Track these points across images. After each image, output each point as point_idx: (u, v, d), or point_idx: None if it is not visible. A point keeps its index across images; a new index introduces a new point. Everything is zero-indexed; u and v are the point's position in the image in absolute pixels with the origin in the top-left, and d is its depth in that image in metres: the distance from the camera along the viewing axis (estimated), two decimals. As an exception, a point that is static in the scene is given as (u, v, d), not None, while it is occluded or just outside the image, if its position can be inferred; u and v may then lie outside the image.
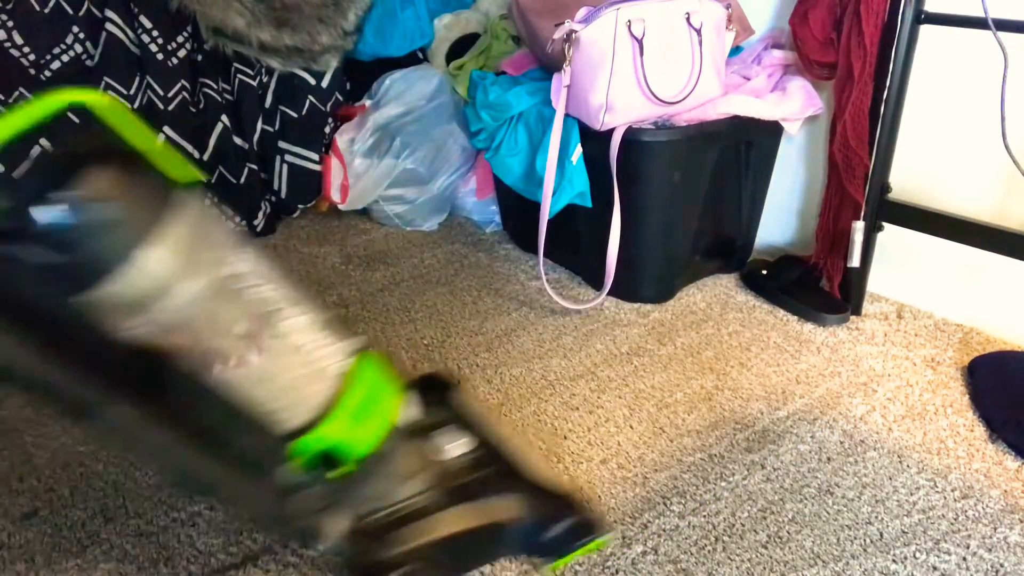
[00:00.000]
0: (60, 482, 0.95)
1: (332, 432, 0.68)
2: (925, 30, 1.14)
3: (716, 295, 1.39)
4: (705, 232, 1.38)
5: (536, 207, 1.28)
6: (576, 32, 1.15)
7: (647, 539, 0.86)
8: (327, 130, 1.63)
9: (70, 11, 1.35)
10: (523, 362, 1.18)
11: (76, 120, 1.40)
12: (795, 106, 1.30)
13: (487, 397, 1.10)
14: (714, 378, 1.15)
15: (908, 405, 1.09)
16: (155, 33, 1.41)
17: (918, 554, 0.84)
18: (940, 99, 1.23)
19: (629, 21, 1.15)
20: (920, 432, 1.03)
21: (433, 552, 0.73)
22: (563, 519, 0.77)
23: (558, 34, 1.16)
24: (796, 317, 1.31)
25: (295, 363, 0.66)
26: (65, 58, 1.36)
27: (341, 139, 1.60)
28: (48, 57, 1.35)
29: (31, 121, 0.53)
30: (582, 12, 1.17)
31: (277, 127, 1.59)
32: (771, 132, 1.36)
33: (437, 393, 0.88)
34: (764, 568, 0.82)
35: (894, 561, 0.83)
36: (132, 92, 1.42)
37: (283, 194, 1.62)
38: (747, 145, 1.34)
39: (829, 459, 0.98)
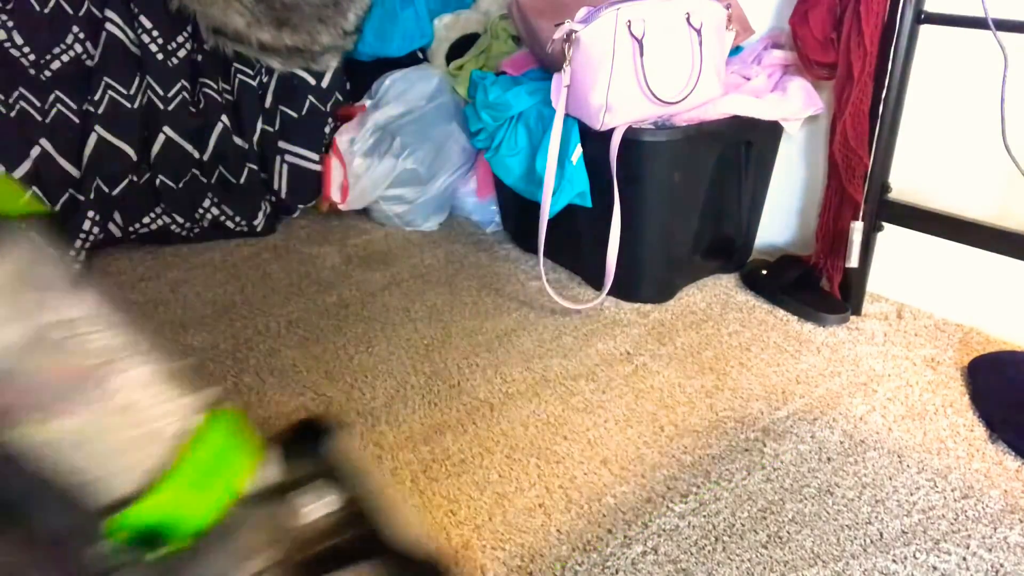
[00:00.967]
0: (60, 482, 0.95)
1: (162, 503, 0.58)
2: (925, 30, 1.14)
3: (716, 295, 1.39)
4: (705, 232, 1.38)
5: (536, 207, 1.28)
6: (576, 32, 1.15)
7: (647, 539, 0.86)
8: (327, 130, 1.63)
9: (70, 11, 1.35)
10: (523, 362, 1.18)
11: (76, 120, 1.40)
12: (795, 106, 1.30)
13: (487, 397, 1.10)
14: (714, 378, 1.15)
15: (908, 405, 1.09)
16: (155, 33, 1.42)
17: (918, 554, 0.84)
18: (940, 99, 1.23)
19: (629, 21, 1.15)
20: (920, 432, 1.03)
21: None
22: None
23: (558, 34, 1.16)
24: (796, 317, 1.31)
25: (124, 423, 0.58)
26: (65, 58, 1.36)
27: (341, 139, 1.60)
28: (48, 57, 1.35)
29: None
30: (582, 12, 1.17)
31: (277, 127, 1.59)
32: (771, 132, 1.37)
33: (310, 442, 0.78)
34: (764, 568, 0.82)
35: (894, 561, 0.83)
36: (132, 92, 1.42)
37: (283, 194, 1.62)
38: (747, 145, 1.34)
39: (829, 459, 0.98)
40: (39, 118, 1.37)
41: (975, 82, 1.18)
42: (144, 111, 1.45)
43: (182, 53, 1.45)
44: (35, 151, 1.37)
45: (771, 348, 1.22)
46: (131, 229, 1.52)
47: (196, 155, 1.52)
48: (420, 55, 1.74)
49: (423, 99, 1.62)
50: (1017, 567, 0.83)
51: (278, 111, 1.58)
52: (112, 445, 0.57)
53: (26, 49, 1.33)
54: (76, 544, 0.57)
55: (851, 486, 0.94)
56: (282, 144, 1.59)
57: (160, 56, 1.43)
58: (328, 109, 1.62)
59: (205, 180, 1.54)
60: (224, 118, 1.52)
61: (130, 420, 0.59)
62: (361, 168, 1.59)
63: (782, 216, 1.52)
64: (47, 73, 1.36)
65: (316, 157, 1.61)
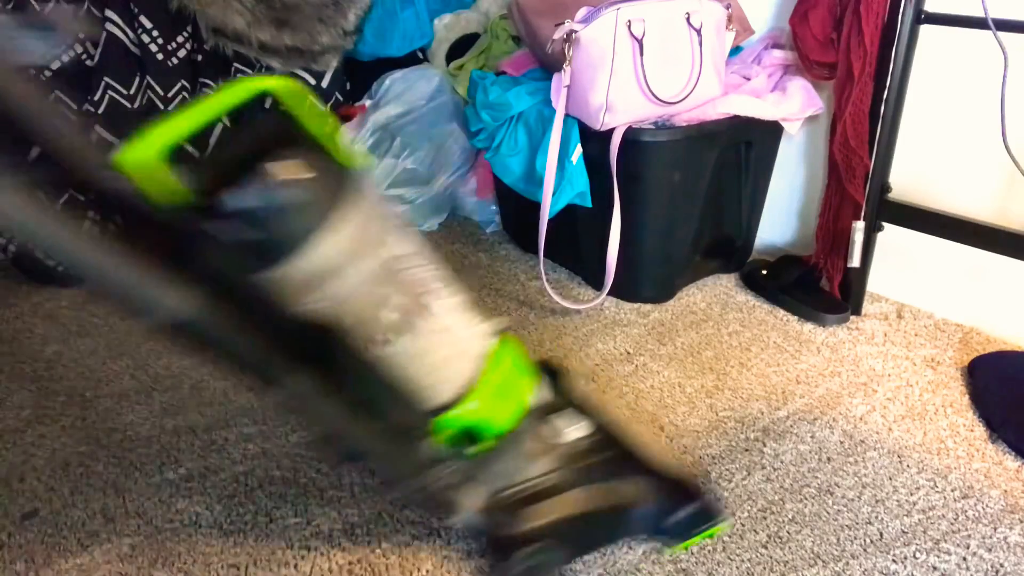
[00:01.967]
0: (60, 482, 0.95)
1: (474, 410, 0.71)
2: (925, 30, 1.14)
3: (716, 295, 1.39)
4: (705, 232, 1.37)
5: (536, 207, 1.28)
6: (576, 32, 1.15)
7: (647, 539, 0.86)
8: (327, 130, 1.63)
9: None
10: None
11: (76, 120, 1.40)
12: (795, 106, 1.30)
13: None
14: (714, 378, 1.15)
15: (908, 405, 1.09)
16: (155, 33, 1.42)
17: (918, 554, 0.84)
18: (940, 99, 1.23)
19: (629, 21, 1.15)
20: (920, 432, 1.03)
21: (563, 529, 0.76)
22: (686, 505, 0.79)
23: (558, 34, 1.16)
24: (796, 317, 1.31)
25: (444, 342, 0.70)
26: (65, 58, 1.36)
27: (341, 139, 1.60)
28: (48, 57, 1.35)
29: (224, 108, 0.58)
30: (582, 12, 1.17)
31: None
32: (771, 132, 1.36)
33: (549, 379, 0.89)
34: (764, 568, 0.82)
35: (894, 561, 0.83)
36: (132, 92, 1.42)
37: (283, 194, 1.62)
38: (747, 145, 1.34)
39: (829, 459, 0.98)
40: (39, 118, 1.37)
41: (975, 82, 1.18)
42: (144, 111, 1.45)
43: (182, 53, 1.45)
44: (35, 151, 1.37)
45: (771, 348, 1.22)
46: (131, 229, 1.51)
47: (196, 155, 1.52)
48: (420, 55, 1.74)
49: (423, 99, 1.62)
50: (1017, 567, 0.83)
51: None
52: (436, 361, 0.69)
53: (26, 49, 1.33)
54: (415, 436, 0.70)
55: (851, 486, 0.94)
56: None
57: (160, 56, 1.43)
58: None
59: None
60: (224, 118, 1.52)
61: (448, 340, 0.70)
62: (361, 168, 1.59)
63: (782, 216, 1.52)
64: (47, 73, 1.36)
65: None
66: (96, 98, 1.39)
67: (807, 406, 1.09)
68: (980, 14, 1.03)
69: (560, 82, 1.21)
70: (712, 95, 1.26)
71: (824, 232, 1.31)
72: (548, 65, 1.34)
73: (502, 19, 1.60)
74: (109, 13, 1.37)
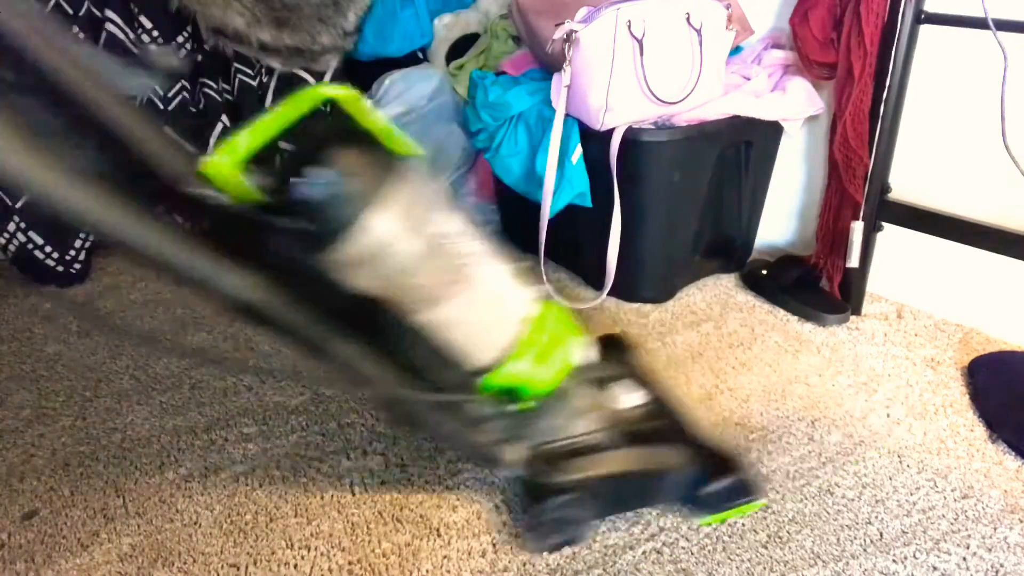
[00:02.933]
0: (60, 482, 0.95)
1: (516, 371, 0.77)
2: (925, 30, 1.14)
3: (716, 295, 1.39)
4: (705, 232, 1.37)
5: (536, 207, 1.28)
6: (576, 32, 1.15)
7: (648, 539, 0.86)
8: (327, 130, 1.63)
9: (70, 11, 1.35)
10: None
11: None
12: (795, 106, 1.30)
13: (487, 397, 1.10)
14: (714, 378, 1.15)
15: (908, 405, 1.09)
16: (155, 33, 1.41)
17: (918, 554, 0.84)
18: (940, 99, 1.23)
19: (629, 21, 1.14)
20: (920, 432, 1.03)
21: (599, 485, 0.82)
22: (724, 477, 0.84)
23: (558, 34, 1.16)
24: (796, 317, 1.31)
25: (487, 307, 0.76)
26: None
27: (341, 139, 1.60)
28: (48, 57, 1.35)
29: (294, 118, 0.65)
30: (582, 12, 1.17)
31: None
32: (771, 132, 1.36)
33: (617, 352, 0.97)
34: (764, 568, 0.82)
35: (894, 561, 0.83)
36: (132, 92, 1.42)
37: (283, 194, 1.62)
38: (747, 145, 1.34)
39: (829, 459, 0.98)
40: (39, 118, 1.37)
41: (975, 82, 1.18)
42: (144, 111, 1.45)
43: (182, 53, 1.45)
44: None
45: (771, 348, 1.22)
46: (131, 229, 1.52)
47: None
48: (420, 55, 1.74)
49: (423, 99, 1.62)
50: (1017, 567, 0.83)
51: (278, 111, 1.58)
52: (479, 326, 0.75)
53: (26, 49, 1.33)
54: (462, 396, 0.77)
55: (851, 486, 0.94)
56: (282, 144, 1.59)
57: (160, 56, 1.43)
58: (328, 109, 1.62)
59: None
60: (224, 118, 1.52)
61: (491, 305, 0.77)
62: (361, 168, 1.59)
63: (782, 216, 1.52)
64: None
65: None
66: (96, 98, 1.39)
67: (807, 406, 1.09)
68: (980, 14, 1.03)
69: (560, 82, 1.21)
70: (712, 95, 1.26)
71: (824, 232, 1.31)
72: (548, 65, 1.34)
73: (502, 19, 1.60)
74: (109, 13, 1.37)
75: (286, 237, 0.63)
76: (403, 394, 0.75)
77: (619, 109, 1.18)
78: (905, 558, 0.84)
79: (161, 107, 1.45)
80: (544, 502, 0.80)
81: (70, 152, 0.52)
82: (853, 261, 1.25)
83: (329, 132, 0.68)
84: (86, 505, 0.91)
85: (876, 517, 0.89)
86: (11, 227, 1.36)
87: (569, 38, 1.16)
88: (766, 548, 0.85)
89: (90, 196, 0.51)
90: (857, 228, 1.23)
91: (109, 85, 0.57)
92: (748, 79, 1.35)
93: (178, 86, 1.46)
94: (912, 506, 0.91)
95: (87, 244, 1.43)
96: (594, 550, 0.84)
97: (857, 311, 1.31)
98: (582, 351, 0.84)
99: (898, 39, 1.13)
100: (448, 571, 0.82)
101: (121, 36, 1.39)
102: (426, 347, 0.73)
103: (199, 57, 1.48)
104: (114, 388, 1.13)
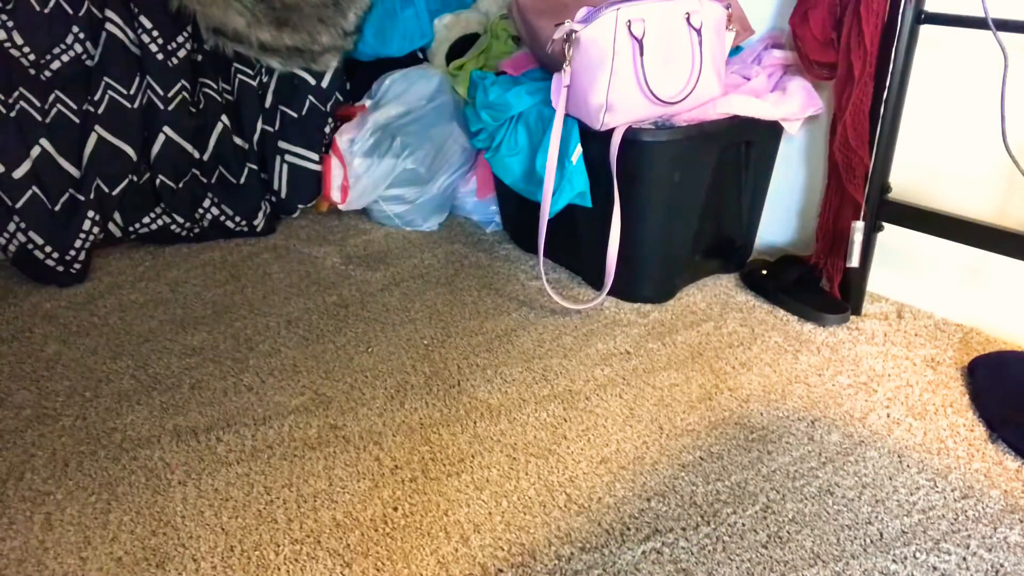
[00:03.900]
0: (60, 482, 0.95)
1: None
2: (925, 30, 1.14)
3: (716, 295, 1.39)
4: (705, 232, 1.37)
5: (536, 207, 1.28)
6: (576, 32, 1.15)
7: (647, 539, 0.86)
8: (327, 130, 1.63)
9: (70, 11, 1.35)
10: (523, 362, 1.18)
11: (76, 120, 1.41)
12: (795, 106, 1.30)
13: (487, 397, 1.10)
14: (714, 378, 1.15)
15: (908, 405, 1.09)
16: (155, 33, 1.42)
17: (918, 554, 0.84)
18: (940, 99, 1.23)
19: (629, 21, 1.15)
20: (920, 432, 1.03)
21: None
22: None
23: (558, 34, 1.16)
24: (796, 317, 1.31)
25: None
26: (65, 58, 1.36)
27: (341, 139, 1.60)
28: (48, 57, 1.35)
29: None
30: (582, 12, 1.17)
31: (277, 127, 1.59)
32: (771, 132, 1.37)
33: None
34: (764, 568, 0.82)
35: (894, 561, 0.83)
36: (132, 92, 1.42)
37: (283, 194, 1.62)
38: (747, 145, 1.34)
39: (829, 459, 0.98)
40: (39, 118, 1.37)
41: (975, 82, 1.18)
42: (144, 111, 1.45)
43: (182, 53, 1.45)
44: (35, 151, 1.37)
45: (771, 348, 1.22)
46: (131, 229, 1.52)
47: (196, 155, 1.52)
48: (420, 55, 1.74)
49: (423, 99, 1.62)
50: (1017, 567, 0.83)
51: (278, 111, 1.58)
52: None
53: (26, 49, 1.33)
54: None
55: (851, 486, 0.94)
56: (282, 144, 1.59)
57: (160, 56, 1.43)
58: (328, 109, 1.62)
59: (205, 180, 1.54)
60: (224, 118, 1.52)
61: None
62: (361, 168, 1.59)
63: (782, 216, 1.52)
64: (47, 73, 1.36)
65: (316, 157, 1.61)
66: (96, 98, 1.39)
67: (807, 406, 1.09)
68: (980, 14, 1.03)
69: (560, 82, 1.21)
70: (712, 95, 1.26)
71: (824, 232, 1.31)
72: (548, 65, 1.34)
73: (502, 19, 1.60)
74: (109, 13, 1.37)
75: None
76: None
77: (619, 109, 1.18)
78: (905, 558, 0.84)
79: (161, 107, 1.45)
80: None
81: None
82: (853, 261, 1.25)
83: None
84: (86, 505, 0.91)
85: (876, 517, 0.89)
86: (11, 227, 1.36)
87: (569, 38, 1.16)
88: (766, 548, 0.85)
89: None
90: (858, 228, 1.23)
91: None
92: (748, 79, 1.36)
93: (178, 86, 1.46)
94: (912, 506, 0.91)
95: (87, 244, 1.43)
96: (594, 550, 0.84)
97: (857, 311, 1.31)
98: None
99: (898, 39, 1.13)
100: (450, 573, 0.82)
101: (121, 36, 1.39)
102: None
103: (199, 57, 1.48)
104: (114, 388, 1.13)
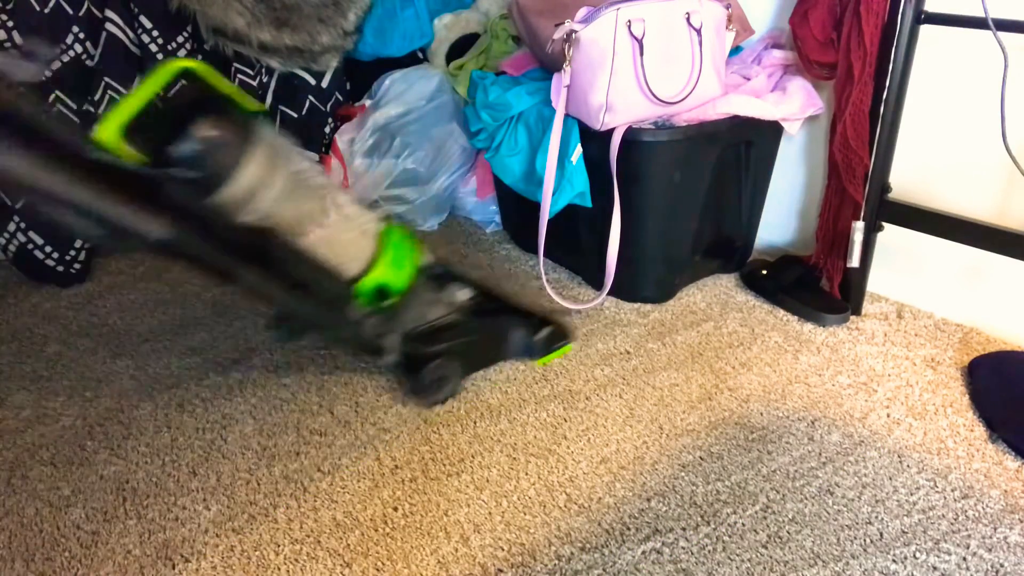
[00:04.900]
0: (60, 482, 0.95)
1: (380, 274, 0.98)
2: (925, 30, 1.14)
3: (716, 295, 1.39)
4: (705, 232, 1.37)
5: (536, 207, 1.28)
6: (576, 32, 1.15)
7: (647, 539, 0.86)
8: (327, 130, 1.63)
9: (70, 11, 1.35)
10: (523, 362, 1.18)
11: (76, 120, 1.41)
12: (795, 106, 1.30)
13: (487, 397, 1.10)
14: (714, 378, 1.15)
15: (908, 405, 1.09)
16: (155, 33, 1.42)
17: (918, 554, 0.84)
18: (940, 99, 1.23)
19: (629, 21, 1.14)
20: (920, 432, 1.03)
21: (459, 349, 1.08)
22: (544, 328, 1.16)
23: (558, 34, 1.16)
24: (796, 317, 1.31)
25: (349, 227, 0.95)
26: (65, 58, 1.36)
27: (341, 139, 1.60)
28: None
29: (157, 88, 0.82)
30: (582, 12, 1.17)
31: (277, 127, 1.59)
32: (771, 132, 1.36)
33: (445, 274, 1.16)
34: (764, 568, 0.82)
35: (894, 561, 0.83)
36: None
37: (283, 194, 1.62)
38: (747, 145, 1.34)
39: (829, 459, 0.98)
40: (39, 118, 1.37)
41: (975, 82, 1.18)
42: (144, 110, 1.45)
43: (182, 53, 1.45)
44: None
45: (771, 348, 1.22)
46: (131, 229, 1.52)
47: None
48: (420, 55, 1.74)
49: (423, 99, 1.62)
50: (1017, 567, 0.83)
51: (278, 111, 1.58)
52: (346, 241, 0.95)
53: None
54: (343, 301, 0.97)
55: (851, 486, 0.94)
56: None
57: (160, 56, 1.43)
58: (328, 109, 1.62)
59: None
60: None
61: (352, 225, 0.96)
62: (361, 168, 1.59)
63: (782, 216, 1.52)
64: (47, 73, 1.36)
65: (316, 157, 1.61)
66: (96, 98, 1.39)
67: (807, 406, 1.09)
68: (980, 14, 1.03)
69: (560, 82, 1.21)
70: (712, 95, 1.26)
71: (824, 232, 1.31)
72: (548, 65, 1.34)
73: (502, 19, 1.60)
74: (109, 13, 1.37)
75: (177, 186, 0.78)
76: (299, 308, 0.95)
77: (619, 109, 1.18)
78: (905, 558, 0.84)
79: (161, 107, 1.45)
80: (423, 368, 1.04)
81: None
82: (853, 261, 1.25)
83: (191, 99, 0.85)
84: (86, 505, 0.91)
85: (876, 517, 0.89)
86: (11, 227, 1.36)
87: (569, 38, 1.16)
88: (766, 548, 0.85)
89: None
90: (858, 228, 1.23)
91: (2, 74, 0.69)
92: (748, 79, 1.36)
93: (178, 86, 1.45)
94: (912, 506, 0.91)
95: (87, 244, 1.43)
96: (594, 550, 0.84)
97: (857, 311, 1.31)
98: (421, 254, 1.07)
99: (898, 39, 1.13)
100: (450, 573, 0.82)
101: (121, 36, 1.39)
102: (309, 266, 0.91)
103: (199, 57, 1.48)
104: (114, 388, 1.13)
